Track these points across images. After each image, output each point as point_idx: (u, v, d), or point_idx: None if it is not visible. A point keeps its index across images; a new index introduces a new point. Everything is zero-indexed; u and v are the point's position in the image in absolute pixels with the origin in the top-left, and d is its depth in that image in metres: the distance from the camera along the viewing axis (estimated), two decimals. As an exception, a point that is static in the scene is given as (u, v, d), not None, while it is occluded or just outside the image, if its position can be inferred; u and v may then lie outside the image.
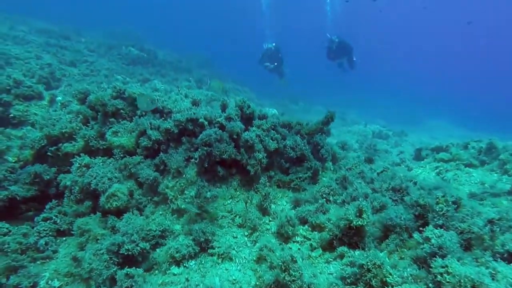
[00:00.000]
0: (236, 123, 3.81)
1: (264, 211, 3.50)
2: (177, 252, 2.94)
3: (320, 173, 4.03)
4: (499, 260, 2.10)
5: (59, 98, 6.29)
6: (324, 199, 3.32)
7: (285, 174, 4.03)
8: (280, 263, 2.26)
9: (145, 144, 3.76)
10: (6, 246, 3.08)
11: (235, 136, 3.73)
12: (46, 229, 3.38)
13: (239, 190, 3.74)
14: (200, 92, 9.33)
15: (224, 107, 4.35)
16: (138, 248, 2.93)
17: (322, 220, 3.01)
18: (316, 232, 3.07)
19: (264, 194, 3.48)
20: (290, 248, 2.85)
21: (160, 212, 3.54)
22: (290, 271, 2.23)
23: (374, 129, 12.07)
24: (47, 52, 9.16)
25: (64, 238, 3.47)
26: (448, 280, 1.80)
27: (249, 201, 3.59)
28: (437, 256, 1.97)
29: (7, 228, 3.29)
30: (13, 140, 4.84)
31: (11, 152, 4.35)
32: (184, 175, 3.60)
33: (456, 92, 33.28)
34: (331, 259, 2.70)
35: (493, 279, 1.86)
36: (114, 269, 2.79)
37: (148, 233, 3.15)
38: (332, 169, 4.22)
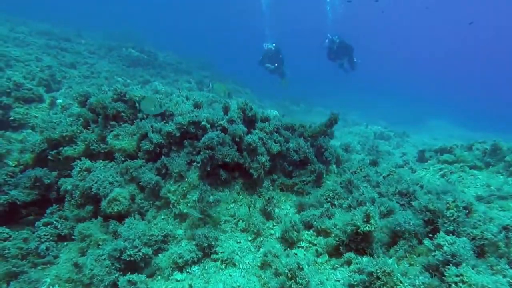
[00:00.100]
0: (239, 125, 3.76)
1: (267, 215, 3.45)
2: (180, 258, 2.90)
3: (324, 176, 3.97)
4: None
5: (60, 100, 6.24)
6: (329, 204, 3.26)
7: (288, 178, 3.97)
8: (287, 271, 2.21)
9: (147, 148, 3.71)
10: (6, 251, 3.05)
11: (237, 139, 3.68)
12: (47, 234, 3.35)
13: (242, 194, 3.69)
14: (201, 94, 9.30)
15: (226, 110, 4.30)
16: (141, 254, 2.89)
17: (327, 225, 2.95)
18: (321, 237, 3.02)
19: (267, 198, 3.42)
20: (296, 254, 2.80)
21: (162, 217, 3.49)
22: (297, 279, 2.17)
23: (376, 130, 12.02)
24: (48, 54, 9.14)
25: (65, 243, 3.43)
26: (463, 290, 1.73)
27: (252, 205, 3.54)
28: (450, 264, 1.91)
29: (7, 233, 3.26)
30: (13, 144, 4.80)
31: (11, 156, 4.30)
32: (186, 179, 3.55)
33: (456, 92, 33.24)
34: (338, 265, 2.64)
35: (511, 288, 1.80)
36: (116, 275, 2.76)
37: (150, 238, 3.11)
38: (336, 172, 4.17)
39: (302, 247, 2.99)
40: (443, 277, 1.89)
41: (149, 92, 6.51)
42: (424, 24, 45.07)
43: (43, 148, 3.94)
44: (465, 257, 1.92)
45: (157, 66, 13.05)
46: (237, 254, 3.02)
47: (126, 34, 17.08)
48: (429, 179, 5.11)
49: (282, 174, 3.99)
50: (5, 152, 4.32)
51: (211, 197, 3.34)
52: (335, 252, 2.77)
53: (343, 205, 3.23)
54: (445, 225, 2.34)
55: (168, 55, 15.60)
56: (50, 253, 3.23)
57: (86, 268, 2.79)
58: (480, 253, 2.17)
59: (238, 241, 3.20)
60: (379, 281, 2.02)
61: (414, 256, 2.34)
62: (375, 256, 2.41)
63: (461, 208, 2.35)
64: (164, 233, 3.21)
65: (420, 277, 2.05)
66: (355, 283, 2.16)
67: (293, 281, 2.17)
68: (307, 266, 2.33)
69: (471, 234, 2.20)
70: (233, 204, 3.56)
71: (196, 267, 2.94)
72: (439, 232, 2.27)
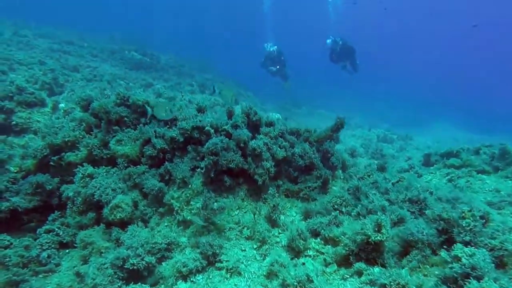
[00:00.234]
0: (243, 130, 3.70)
1: (273, 222, 3.37)
2: (184, 267, 2.83)
3: (330, 182, 3.90)
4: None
5: (62, 105, 6.21)
6: (337, 211, 3.18)
7: (293, 183, 3.90)
8: (296, 283, 2.13)
9: (150, 153, 3.65)
10: (7, 259, 2.99)
11: (242, 145, 3.61)
12: (48, 241, 3.30)
13: (247, 200, 3.61)
14: (204, 97, 9.27)
15: (230, 114, 4.24)
16: (144, 263, 2.83)
17: (336, 233, 2.87)
18: (329, 246, 2.93)
19: (273, 205, 3.35)
20: (303, 264, 2.71)
21: (166, 224, 3.42)
22: (306, 291, 2.09)
23: (379, 133, 11.92)
24: (50, 58, 9.14)
25: (67, 251, 3.37)
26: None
27: (257, 212, 3.46)
28: (471, 278, 1.82)
29: (8, 241, 3.21)
30: (15, 149, 4.76)
31: (13, 161, 4.26)
32: (190, 185, 3.48)
33: (458, 94, 33.05)
34: (348, 276, 2.56)
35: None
36: (119, 284, 2.71)
37: (153, 246, 3.04)
38: (342, 177, 4.09)
39: (309, 256, 2.91)
40: (462, 291, 1.81)
41: (152, 96, 6.48)
42: (428, 27, 44.97)
43: (45, 153, 3.89)
44: (486, 270, 1.83)
45: (159, 69, 13.05)
46: (242, 262, 2.94)
47: (129, 37, 17.14)
48: (436, 184, 5.01)
49: (287, 180, 3.91)
50: (7, 157, 4.28)
51: (215, 204, 3.28)
52: (344, 262, 2.68)
53: (352, 213, 3.15)
54: (461, 235, 2.25)
55: (171, 57, 15.61)
56: (52, 261, 3.17)
57: (88, 277, 2.73)
58: (499, 264, 2.08)
59: (243, 249, 3.12)
60: (392, 294, 1.95)
61: (428, 266, 2.26)
62: (387, 267, 2.33)
63: (478, 217, 2.27)
64: (168, 240, 3.15)
65: (437, 291, 1.97)
66: (366, 296, 2.08)
67: (302, 293, 2.10)
68: (316, 277, 2.25)
69: (489, 245, 2.11)
70: (238, 211, 3.49)
71: (201, 276, 2.87)
72: (453, 242, 2.18)
